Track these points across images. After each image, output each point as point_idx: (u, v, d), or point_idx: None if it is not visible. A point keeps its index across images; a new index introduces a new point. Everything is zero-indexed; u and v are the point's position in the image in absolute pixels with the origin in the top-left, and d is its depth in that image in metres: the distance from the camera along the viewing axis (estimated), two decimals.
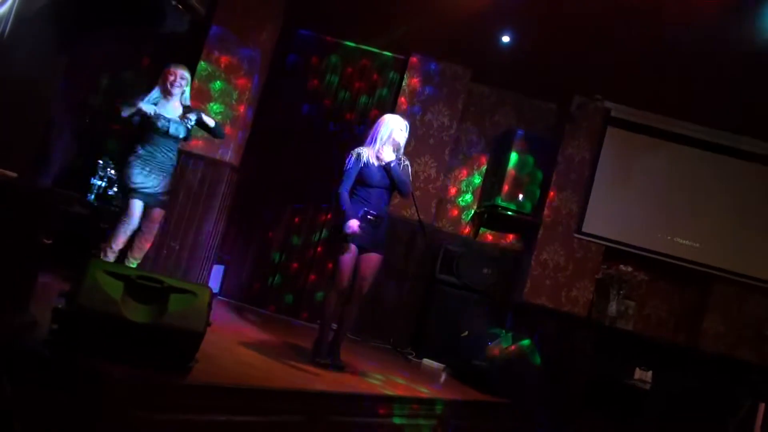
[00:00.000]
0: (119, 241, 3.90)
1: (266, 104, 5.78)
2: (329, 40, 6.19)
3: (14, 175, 2.20)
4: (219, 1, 5.20)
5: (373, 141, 3.83)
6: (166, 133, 3.95)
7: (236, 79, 5.26)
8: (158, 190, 3.97)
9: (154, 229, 4.08)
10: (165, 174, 4.01)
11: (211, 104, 5.21)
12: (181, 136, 4.03)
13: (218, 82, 5.23)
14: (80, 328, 2.36)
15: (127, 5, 2.16)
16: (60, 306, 2.37)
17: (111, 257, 3.89)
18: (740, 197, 5.82)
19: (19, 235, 2.18)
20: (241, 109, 5.24)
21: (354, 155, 3.79)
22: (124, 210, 3.93)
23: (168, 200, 4.13)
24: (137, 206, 3.90)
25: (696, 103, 5.48)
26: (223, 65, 5.25)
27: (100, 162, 4.86)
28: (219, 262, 5.68)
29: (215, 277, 5.64)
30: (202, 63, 5.22)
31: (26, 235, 2.22)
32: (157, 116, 3.89)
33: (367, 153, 3.80)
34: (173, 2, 1.95)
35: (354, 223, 3.59)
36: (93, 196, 4.79)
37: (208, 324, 2.58)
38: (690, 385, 4.80)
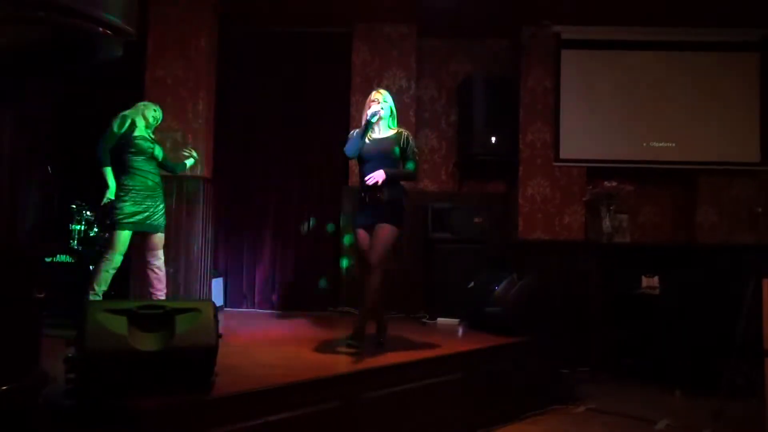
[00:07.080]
0: (99, 280, 3.74)
1: (223, 110, 5.71)
2: (268, 30, 6.10)
3: None
4: (151, 17, 5.11)
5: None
6: (150, 156, 3.96)
7: (186, 90, 5.17)
8: (149, 214, 3.90)
9: (160, 255, 4.02)
10: (155, 197, 3.97)
11: (170, 122, 5.13)
12: (160, 156, 4.05)
13: (169, 98, 5.15)
14: (96, 371, 2.36)
15: (57, 47, 2.11)
16: (70, 354, 2.38)
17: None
18: (706, 88, 5.86)
19: (13, 295, 2.17)
20: (199, 120, 5.17)
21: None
22: (109, 244, 3.82)
23: (164, 223, 4.06)
24: (124, 237, 3.81)
25: (643, 4, 5.47)
26: (169, 81, 5.16)
27: (74, 206, 4.80)
28: (217, 276, 5.68)
29: (217, 290, 5.64)
30: (148, 82, 5.12)
31: (19, 292, 2.21)
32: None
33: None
34: (100, 30, 1.90)
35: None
36: (76, 242, 4.74)
37: (219, 336, 2.60)
38: (696, 281, 4.90)
